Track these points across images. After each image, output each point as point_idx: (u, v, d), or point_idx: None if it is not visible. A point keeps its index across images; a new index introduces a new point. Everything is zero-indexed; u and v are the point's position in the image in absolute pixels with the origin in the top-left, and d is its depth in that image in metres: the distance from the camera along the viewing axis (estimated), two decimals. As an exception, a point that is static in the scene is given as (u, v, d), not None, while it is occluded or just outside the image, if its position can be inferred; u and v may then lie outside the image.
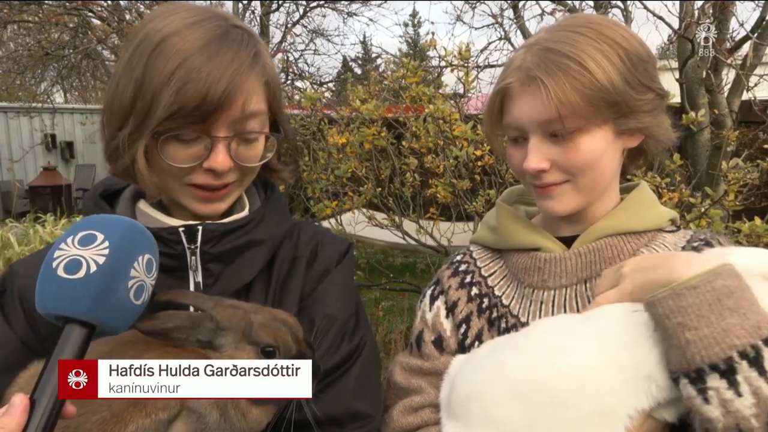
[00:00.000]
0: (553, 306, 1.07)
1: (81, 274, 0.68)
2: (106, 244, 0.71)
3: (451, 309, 1.17)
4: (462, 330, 1.14)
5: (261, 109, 0.96)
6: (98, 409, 0.77)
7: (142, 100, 0.90)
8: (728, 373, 0.79)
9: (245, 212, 1.07)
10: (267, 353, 0.86)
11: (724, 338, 0.80)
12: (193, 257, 0.99)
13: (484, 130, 1.19)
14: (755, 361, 0.78)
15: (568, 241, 1.11)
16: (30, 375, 0.84)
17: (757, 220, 2.29)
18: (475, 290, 1.17)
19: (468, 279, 1.19)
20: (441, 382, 1.08)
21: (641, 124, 1.03)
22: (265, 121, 1.00)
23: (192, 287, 1.00)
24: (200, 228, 0.99)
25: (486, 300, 1.15)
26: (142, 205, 1.05)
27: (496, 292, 1.15)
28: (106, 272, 0.69)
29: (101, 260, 0.69)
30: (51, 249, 0.72)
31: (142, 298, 0.73)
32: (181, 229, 0.99)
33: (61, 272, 0.68)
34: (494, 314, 1.13)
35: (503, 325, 1.10)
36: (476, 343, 1.12)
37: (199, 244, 0.99)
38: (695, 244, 1.08)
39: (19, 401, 0.63)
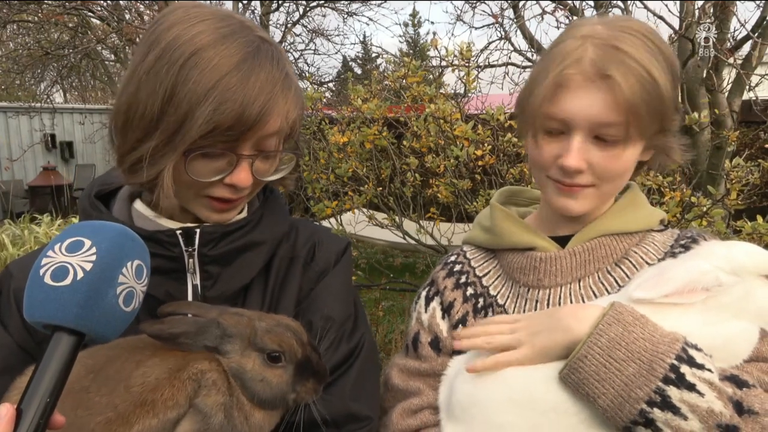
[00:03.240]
0: (548, 305, 1.07)
1: (68, 281, 0.67)
2: (94, 250, 0.69)
3: (447, 310, 1.17)
4: (458, 330, 1.13)
5: (284, 128, 0.95)
6: (103, 410, 0.76)
7: (174, 114, 0.87)
8: (648, 424, 0.83)
9: (244, 213, 1.07)
10: (273, 358, 0.86)
11: (629, 393, 0.84)
12: (191, 260, 0.98)
13: (516, 116, 1.12)
14: (665, 404, 0.82)
15: (559, 242, 1.12)
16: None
17: (760, 220, 2.29)
18: (470, 290, 1.17)
19: (463, 279, 1.19)
20: (439, 384, 1.08)
21: (667, 142, 1.04)
22: (282, 136, 0.98)
23: (190, 289, 0.99)
24: (198, 231, 0.98)
25: (481, 300, 1.15)
26: (139, 206, 1.04)
27: (491, 292, 1.15)
28: (93, 279, 0.67)
29: (88, 267, 0.68)
30: (39, 256, 0.70)
31: (132, 305, 0.72)
32: (178, 232, 0.98)
33: (48, 280, 0.67)
34: (490, 314, 1.13)
35: None
36: None
37: (197, 246, 0.98)
38: (683, 242, 1.09)
39: (5, 411, 0.61)
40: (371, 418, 1.03)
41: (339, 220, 3.93)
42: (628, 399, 0.84)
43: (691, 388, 0.82)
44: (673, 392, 0.82)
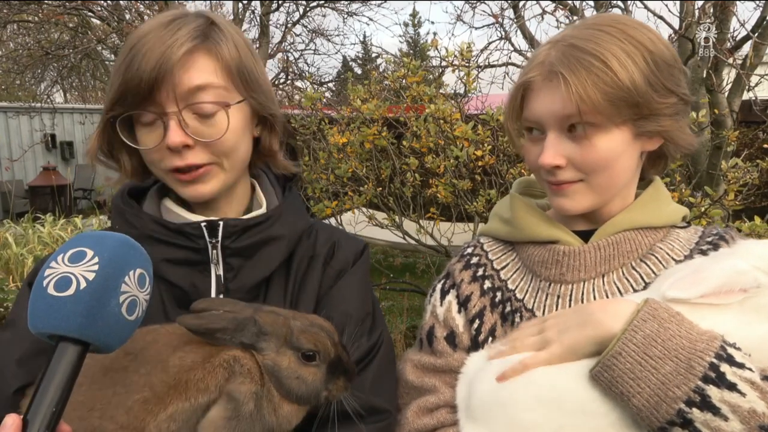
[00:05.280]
0: (570, 300, 1.06)
1: (71, 291, 0.67)
2: (96, 260, 0.70)
3: (463, 304, 1.14)
4: (475, 325, 1.12)
5: (211, 83, 1.00)
6: (141, 389, 0.80)
7: (107, 91, 1.02)
8: (686, 425, 0.81)
9: (263, 209, 1.12)
10: (307, 357, 0.90)
11: (666, 393, 0.82)
12: (215, 251, 1.04)
13: (504, 123, 1.15)
14: (705, 404, 0.80)
15: (581, 236, 1.10)
16: None
17: (758, 220, 2.29)
18: (487, 284, 1.15)
19: (480, 272, 1.17)
20: (455, 381, 1.06)
21: (661, 127, 1.02)
22: (224, 95, 1.02)
23: (213, 280, 1.04)
24: (221, 223, 1.04)
25: (499, 294, 1.13)
26: (168, 203, 1.11)
27: (509, 286, 1.13)
28: (96, 288, 0.68)
29: (91, 276, 0.68)
30: (43, 267, 0.71)
31: (135, 314, 0.72)
32: (203, 224, 1.04)
33: (51, 290, 0.67)
34: (507, 308, 1.11)
35: (517, 319, 1.09)
36: (489, 338, 1.10)
37: (220, 238, 1.04)
38: (710, 239, 1.08)
39: (11, 422, 0.62)
40: (390, 411, 1.07)
41: (339, 220, 3.93)
42: (665, 398, 0.82)
43: (732, 387, 0.80)
44: (713, 392, 0.80)
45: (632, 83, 0.96)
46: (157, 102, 0.97)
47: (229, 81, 1.02)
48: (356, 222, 3.87)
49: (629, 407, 0.85)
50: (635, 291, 1.03)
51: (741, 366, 0.81)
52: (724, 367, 0.81)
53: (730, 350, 0.83)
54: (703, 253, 1.05)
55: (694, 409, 0.80)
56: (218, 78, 1.01)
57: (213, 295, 1.04)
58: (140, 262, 0.74)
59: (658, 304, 0.88)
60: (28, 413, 0.63)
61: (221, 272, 1.04)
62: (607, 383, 0.86)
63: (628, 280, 1.05)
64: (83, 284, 0.68)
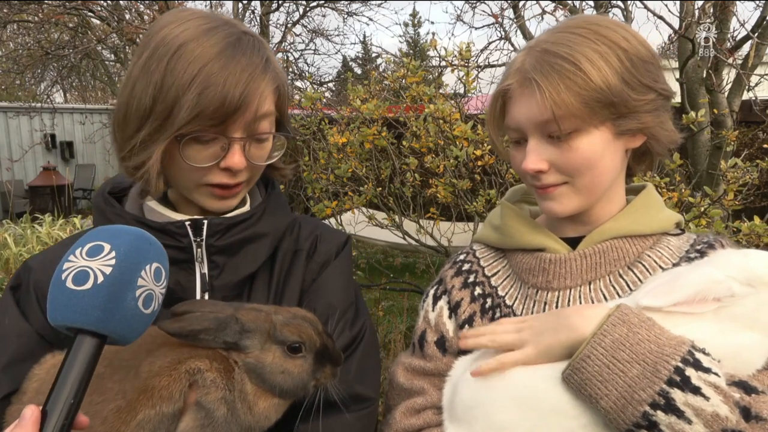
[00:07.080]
0: (556, 307, 1.06)
1: (89, 285, 0.69)
2: (113, 254, 0.71)
3: (454, 309, 1.16)
4: (465, 330, 1.13)
5: (271, 111, 1.04)
6: (114, 397, 0.80)
7: (163, 103, 0.95)
8: (652, 427, 0.82)
9: (247, 207, 1.13)
10: (293, 349, 0.90)
11: (632, 395, 0.83)
12: (199, 249, 1.05)
13: (486, 131, 1.17)
14: (669, 407, 0.81)
15: (572, 242, 1.11)
16: (47, 367, 0.88)
17: (757, 220, 2.29)
18: (478, 290, 1.17)
19: (471, 279, 1.19)
20: (443, 384, 1.08)
21: (641, 124, 1.02)
22: (273, 121, 1.06)
23: (198, 278, 1.05)
24: (205, 222, 1.05)
25: (489, 300, 1.15)
26: (149, 202, 1.11)
27: (500, 292, 1.14)
28: (113, 282, 0.70)
29: (108, 270, 0.70)
30: (61, 260, 0.73)
31: (151, 307, 0.74)
32: (187, 223, 1.04)
33: (69, 284, 0.69)
34: (497, 314, 1.12)
35: None
36: None
37: (204, 237, 1.04)
38: (699, 247, 1.07)
39: (30, 413, 0.63)
40: (374, 398, 1.09)
41: (339, 220, 3.93)
42: (631, 401, 0.83)
43: (696, 391, 0.81)
44: (678, 395, 0.81)
45: (606, 83, 0.96)
46: (225, 125, 0.97)
47: (277, 106, 1.06)
48: (356, 222, 3.87)
49: (598, 409, 0.86)
50: (621, 298, 1.02)
51: (707, 370, 0.82)
52: (690, 371, 0.82)
53: (698, 355, 0.84)
54: (690, 261, 1.04)
55: (659, 412, 0.81)
56: (273, 105, 1.04)
57: (198, 292, 1.05)
58: (156, 257, 0.76)
59: (630, 310, 0.89)
60: (47, 405, 0.65)
61: (206, 270, 1.05)
62: (576, 385, 0.88)
63: (614, 288, 1.05)
64: (100, 278, 0.69)
